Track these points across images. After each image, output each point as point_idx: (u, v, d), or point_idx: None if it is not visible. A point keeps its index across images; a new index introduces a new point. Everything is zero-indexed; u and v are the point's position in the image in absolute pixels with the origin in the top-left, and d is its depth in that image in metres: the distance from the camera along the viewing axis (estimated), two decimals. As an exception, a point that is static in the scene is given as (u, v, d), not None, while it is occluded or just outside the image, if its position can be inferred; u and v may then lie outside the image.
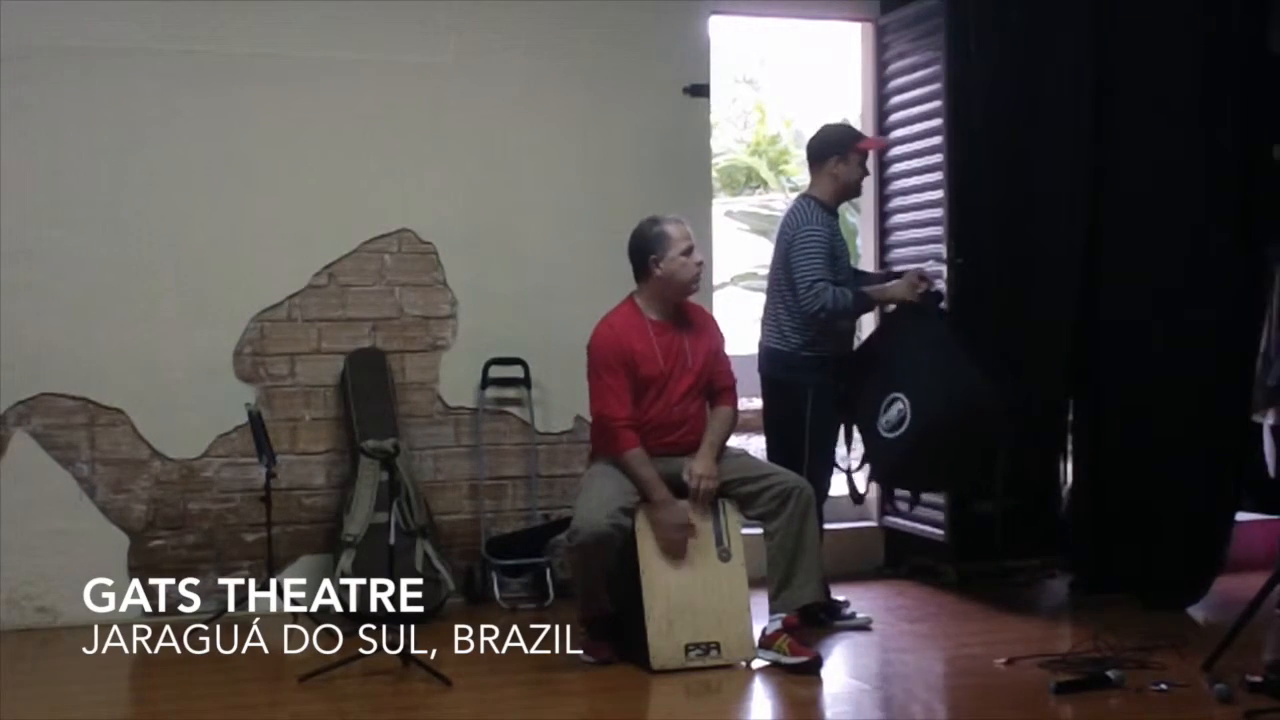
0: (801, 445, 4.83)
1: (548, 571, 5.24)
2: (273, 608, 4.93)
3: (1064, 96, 5.28)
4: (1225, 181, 4.90)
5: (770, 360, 4.99)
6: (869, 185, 5.92)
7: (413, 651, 4.20)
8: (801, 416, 4.86)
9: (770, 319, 4.99)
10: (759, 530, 4.47)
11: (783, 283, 4.90)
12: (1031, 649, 4.39)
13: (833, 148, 4.97)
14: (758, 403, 6.71)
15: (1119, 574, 5.19)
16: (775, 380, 5.00)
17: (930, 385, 4.74)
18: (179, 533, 5.12)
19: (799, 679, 4.22)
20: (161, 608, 5.04)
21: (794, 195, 5.93)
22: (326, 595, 5.00)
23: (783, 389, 4.96)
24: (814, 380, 4.85)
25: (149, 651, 4.71)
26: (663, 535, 4.36)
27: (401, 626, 4.34)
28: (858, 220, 6.36)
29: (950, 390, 4.72)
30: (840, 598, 5.02)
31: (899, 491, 5.52)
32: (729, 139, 15.01)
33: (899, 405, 4.75)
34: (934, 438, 4.69)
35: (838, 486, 5.17)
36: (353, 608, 4.89)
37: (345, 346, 5.30)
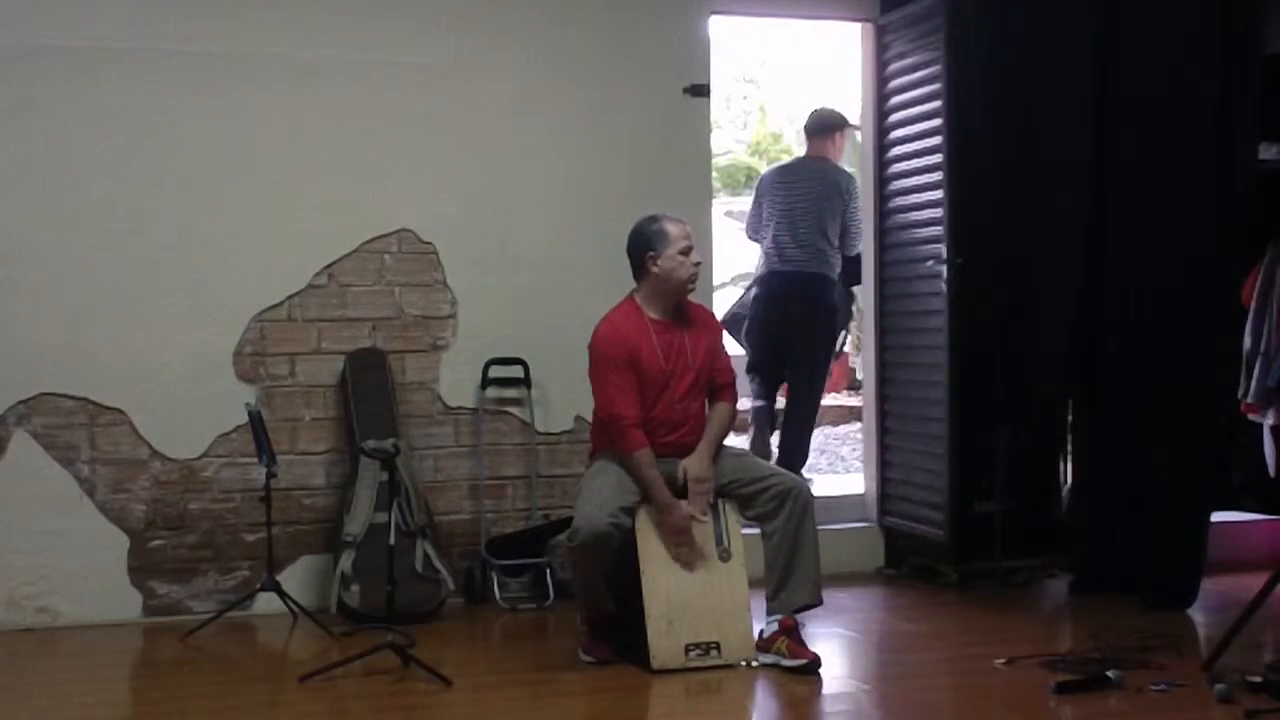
0: (826, 367, 6.38)
1: (548, 571, 5.24)
2: (272, 608, 4.94)
3: (1064, 97, 5.28)
4: (1225, 181, 4.90)
5: (826, 288, 6.13)
6: (869, 185, 5.96)
7: (412, 652, 4.20)
8: (832, 339, 6.28)
9: (812, 247, 6.11)
10: (759, 530, 4.47)
11: (827, 220, 6.09)
12: (1031, 649, 4.38)
13: (843, 121, 6.43)
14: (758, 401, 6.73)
15: (1119, 574, 5.19)
16: (829, 305, 6.16)
17: None
18: (179, 533, 5.12)
19: (799, 679, 4.22)
20: (161, 608, 5.05)
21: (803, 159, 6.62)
22: (328, 595, 5.02)
23: (831, 314, 6.17)
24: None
25: (149, 651, 4.72)
26: (667, 539, 4.36)
27: (401, 626, 4.34)
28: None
29: None
30: None
31: None
32: (729, 139, 15.01)
33: None
34: None
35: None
36: (353, 607, 4.91)
37: (345, 346, 5.30)
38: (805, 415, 6.35)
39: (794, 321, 6.20)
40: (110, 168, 5.06)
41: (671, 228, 4.46)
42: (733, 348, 4.86)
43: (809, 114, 6.47)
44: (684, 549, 4.36)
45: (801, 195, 6.20)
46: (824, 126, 6.36)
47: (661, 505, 4.35)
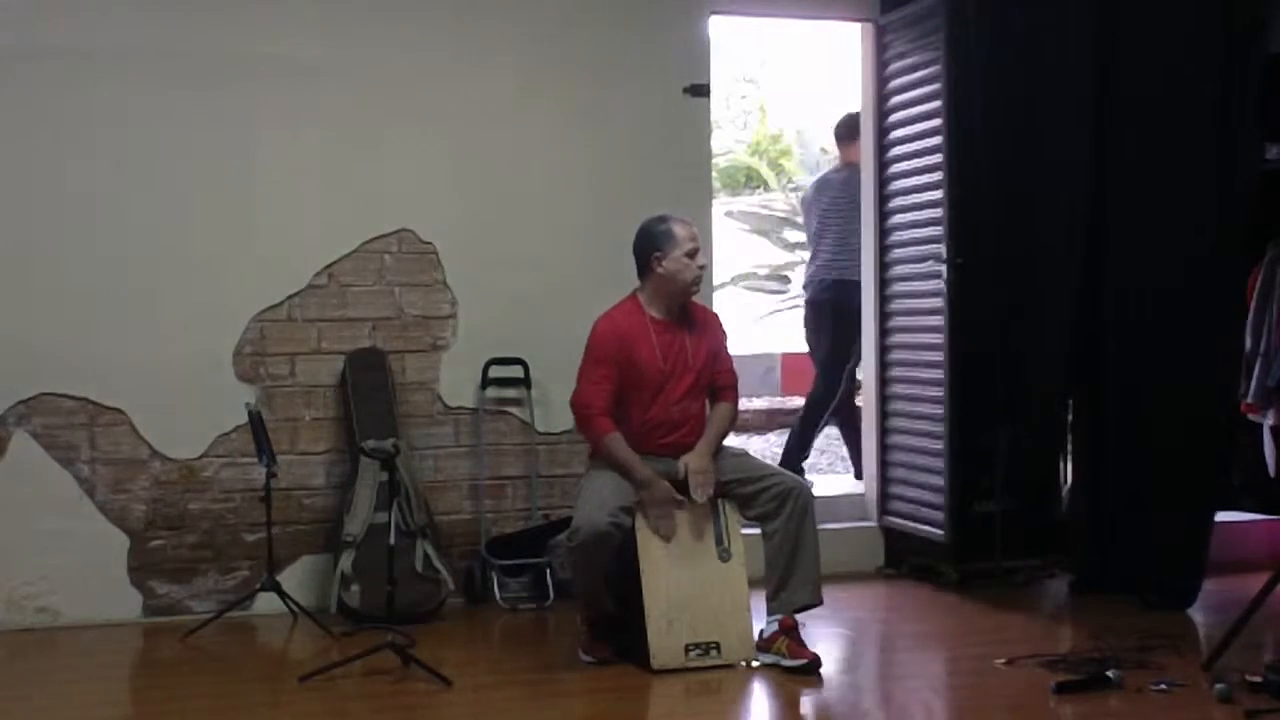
0: (836, 366, 6.49)
1: (548, 571, 5.23)
2: (273, 608, 4.94)
3: (1064, 97, 5.28)
4: (1225, 181, 4.90)
5: (844, 291, 6.26)
6: (869, 185, 5.96)
7: (412, 652, 4.20)
8: (846, 340, 6.32)
9: (836, 254, 6.39)
10: (759, 530, 4.47)
11: (850, 228, 6.18)
12: (1031, 649, 4.39)
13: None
14: (758, 403, 6.78)
15: (1119, 574, 5.19)
16: (845, 307, 6.23)
17: None
18: (179, 533, 5.12)
19: (799, 679, 4.22)
20: (161, 608, 5.05)
21: (835, 170, 6.92)
22: (328, 595, 5.02)
23: (845, 316, 6.23)
24: None
25: (149, 651, 4.73)
26: (650, 514, 4.35)
27: (401, 626, 4.34)
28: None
29: None
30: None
31: None
32: (729, 139, 15.04)
33: None
34: None
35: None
36: (353, 607, 4.91)
37: (345, 346, 5.30)
38: (813, 412, 6.69)
39: (817, 325, 6.67)
40: (110, 168, 5.06)
41: (679, 229, 4.46)
42: (735, 349, 4.84)
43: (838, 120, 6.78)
44: (665, 522, 4.35)
45: (828, 207, 6.60)
46: (848, 132, 6.55)
47: (640, 481, 4.34)
